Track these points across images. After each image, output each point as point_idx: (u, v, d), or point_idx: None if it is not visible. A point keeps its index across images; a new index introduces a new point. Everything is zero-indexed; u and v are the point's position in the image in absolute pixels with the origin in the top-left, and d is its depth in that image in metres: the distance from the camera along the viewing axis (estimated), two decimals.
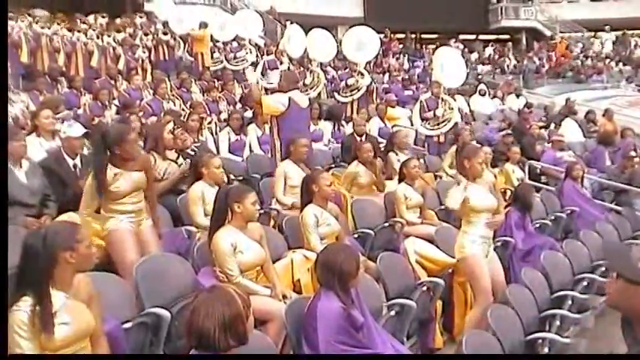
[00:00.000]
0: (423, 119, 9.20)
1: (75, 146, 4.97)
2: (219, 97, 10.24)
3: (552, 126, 11.88)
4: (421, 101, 9.38)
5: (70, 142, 4.99)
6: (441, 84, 9.41)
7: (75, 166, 4.91)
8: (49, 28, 11.44)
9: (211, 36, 13.32)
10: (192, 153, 5.74)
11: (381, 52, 16.24)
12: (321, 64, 12.11)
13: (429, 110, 9.12)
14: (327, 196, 4.74)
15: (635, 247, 1.91)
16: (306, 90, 9.74)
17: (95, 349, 2.74)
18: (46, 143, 5.46)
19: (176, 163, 5.58)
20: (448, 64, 9.80)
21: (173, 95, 9.73)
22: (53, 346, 2.50)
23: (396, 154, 7.22)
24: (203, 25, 13.39)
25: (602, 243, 5.70)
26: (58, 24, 11.95)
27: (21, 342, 2.43)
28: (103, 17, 13.79)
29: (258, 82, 11.24)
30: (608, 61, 21.47)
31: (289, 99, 6.40)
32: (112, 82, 10.39)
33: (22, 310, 2.45)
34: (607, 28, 23.82)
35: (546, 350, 3.81)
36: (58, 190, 4.71)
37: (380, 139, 8.24)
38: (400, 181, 5.95)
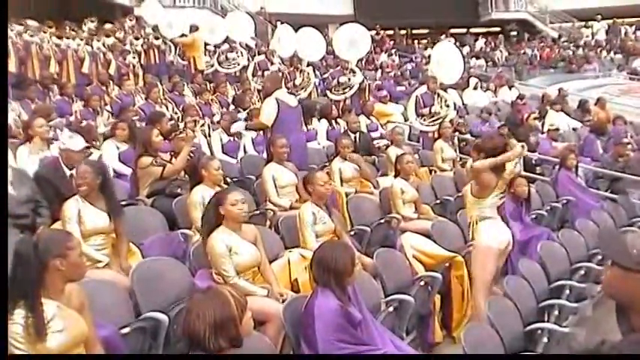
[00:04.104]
0: (418, 115, 9.20)
1: (74, 159, 4.95)
2: (212, 100, 10.22)
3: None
4: (416, 96, 9.37)
5: (69, 155, 4.98)
6: (437, 79, 9.41)
7: (72, 175, 4.89)
8: (38, 37, 11.39)
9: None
10: (189, 156, 5.75)
11: (372, 49, 16.23)
12: (311, 63, 12.10)
13: (425, 106, 9.11)
14: (322, 195, 4.75)
15: (630, 234, 1.89)
16: (297, 91, 9.73)
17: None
18: (37, 152, 5.45)
19: (171, 164, 5.57)
20: (445, 59, 9.80)
21: (165, 99, 9.71)
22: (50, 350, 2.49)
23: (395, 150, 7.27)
24: (194, 29, 13.36)
25: (598, 231, 5.71)
26: (46, 31, 11.88)
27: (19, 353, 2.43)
28: (92, 22, 13.74)
29: (250, 83, 11.25)
30: (599, 49, 21.51)
31: (276, 100, 6.45)
32: (104, 88, 10.36)
33: (16, 323, 2.44)
34: (598, 17, 23.86)
35: (545, 340, 3.81)
36: (52, 199, 4.68)
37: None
38: (395, 176, 5.97)
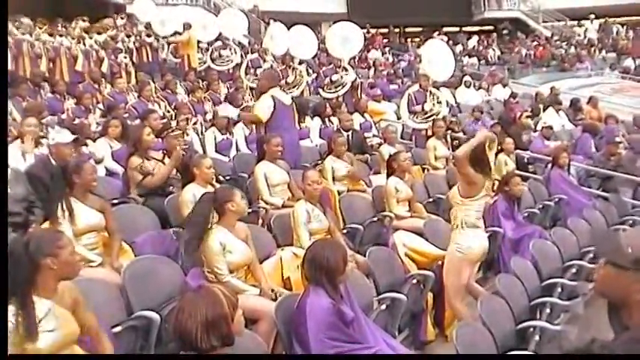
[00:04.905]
0: (411, 112, 9.20)
1: (64, 153, 4.96)
2: (205, 98, 10.19)
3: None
4: (409, 94, 9.38)
5: (59, 149, 4.98)
6: (429, 77, 9.42)
7: (66, 172, 4.88)
8: (30, 34, 11.32)
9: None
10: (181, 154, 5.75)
11: (364, 48, 16.24)
12: (303, 61, 12.10)
13: (417, 104, 9.12)
14: (311, 194, 4.76)
15: (623, 233, 1.90)
16: (289, 88, 9.73)
17: (99, 348, 2.75)
18: (31, 151, 5.41)
19: (163, 163, 5.55)
20: (436, 57, 9.81)
21: (158, 97, 9.67)
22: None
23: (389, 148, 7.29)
24: (187, 26, 13.32)
25: (591, 231, 5.72)
26: (40, 27, 11.82)
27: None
28: (84, 21, 13.64)
29: (243, 81, 11.24)
30: (593, 49, 21.59)
31: (272, 98, 6.45)
32: (96, 85, 10.31)
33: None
34: (592, 16, 23.98)
35: (537, 338, 3.82)
36: (43, 196, 4.66)
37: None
38: (390, 174, 5.94)
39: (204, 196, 4.04)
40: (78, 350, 2.70)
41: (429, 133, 8.53)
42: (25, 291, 2.52)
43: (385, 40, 22.47)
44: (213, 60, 12.93)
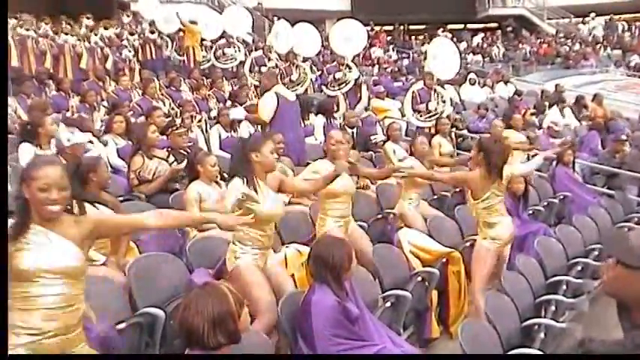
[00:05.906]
0: (414, 110, 9.18)
1: (79, 151, 5.10)
2: (209, 95, 10.19)
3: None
4: (413, 92, 9.34)
5: (74, 149, 5.15)
6: (434, 75, 9.39)
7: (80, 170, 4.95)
8: (34, 31, 11.34)
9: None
10: (185, 152, 5.75)
11: (368, 45, 16.23)
12: (308, 58, 12.10)
13: (421, 102, 9.10)
14: (337, 154, 4.70)
15: (633, 232, 1.88)
16: (294, 86, 9.72)
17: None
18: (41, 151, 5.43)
19: (167, 161, 5.56)
20: (442, 55, 9.78)
21: (162, 95, 9.67)
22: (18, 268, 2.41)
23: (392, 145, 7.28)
24: (193, 23, 13.33)
25: (599, 231, 5.70)
26: (47, 23, 11.83)
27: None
28: (88, 19, 13.66)
29: (247, 79, 11.24)
30: (598, 46, 21.52)
31: (276, 94, 6.45)
32: (100, 83, 10.31)
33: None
34: (592, 15, 23.92)
35: (542, 336, 3.81)
36: None
37: None
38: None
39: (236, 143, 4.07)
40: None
41: (434, 130, 8.50)
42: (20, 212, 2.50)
43: (389, 38, 22.44)
44: (217, 58, 12.94)
